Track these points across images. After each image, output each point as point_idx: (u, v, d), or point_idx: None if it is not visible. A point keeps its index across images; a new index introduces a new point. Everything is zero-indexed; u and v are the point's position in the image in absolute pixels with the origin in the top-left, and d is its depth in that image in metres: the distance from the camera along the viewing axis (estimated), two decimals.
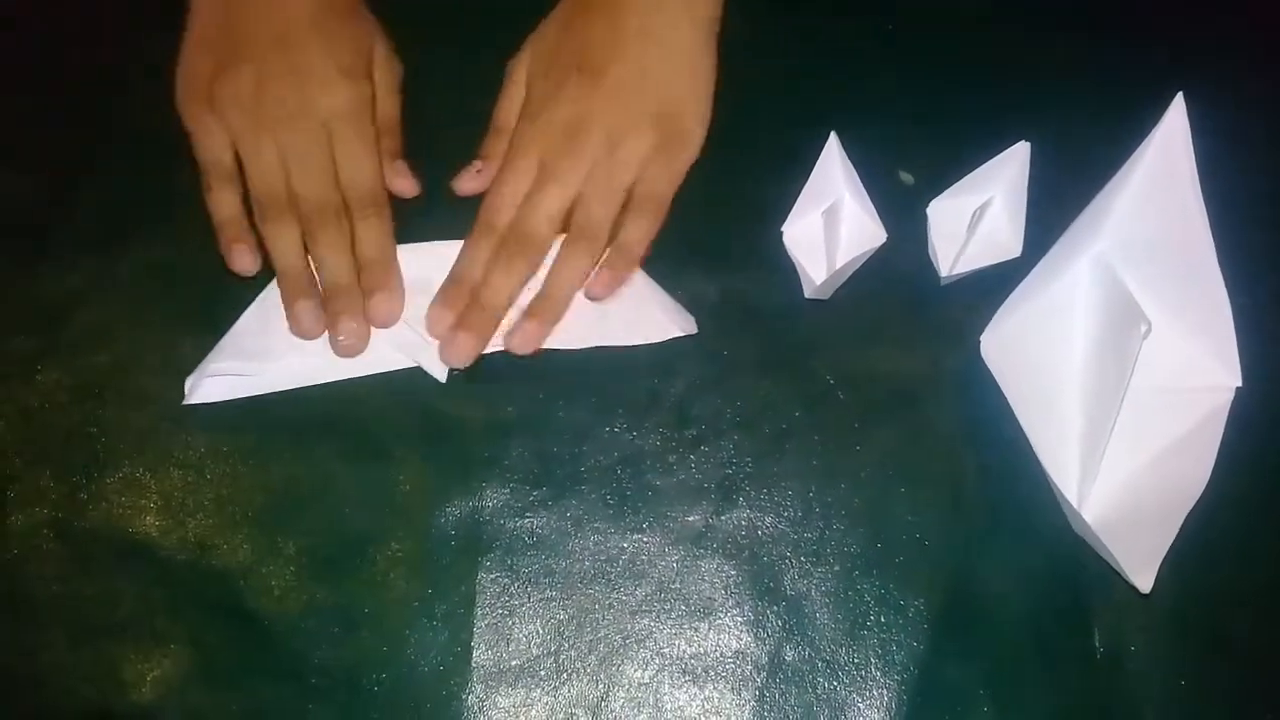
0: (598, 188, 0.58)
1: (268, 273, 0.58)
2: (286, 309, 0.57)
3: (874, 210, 0.58)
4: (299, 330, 0.57)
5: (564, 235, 0.58)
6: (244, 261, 0.57)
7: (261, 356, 0.57)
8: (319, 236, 0.57)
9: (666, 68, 0.59)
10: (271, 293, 0.58)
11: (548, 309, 0.58)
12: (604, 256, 0.58)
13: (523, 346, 0.57)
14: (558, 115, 0.58)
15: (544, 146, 0.58)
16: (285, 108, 0.58)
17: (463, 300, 0.58)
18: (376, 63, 0.61)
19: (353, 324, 0.57)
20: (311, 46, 0.59)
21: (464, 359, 0.57)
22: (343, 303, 0.57)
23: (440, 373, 0.57)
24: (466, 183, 0.61)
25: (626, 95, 0.59)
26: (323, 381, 0.57)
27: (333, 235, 0.57)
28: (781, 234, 0.59)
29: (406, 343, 0.58)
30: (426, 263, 0.59)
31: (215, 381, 0.57)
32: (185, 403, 0.57)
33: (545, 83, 0.60)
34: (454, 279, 0.58)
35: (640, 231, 0.59)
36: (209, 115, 0.58)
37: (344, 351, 0.57)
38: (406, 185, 0.61)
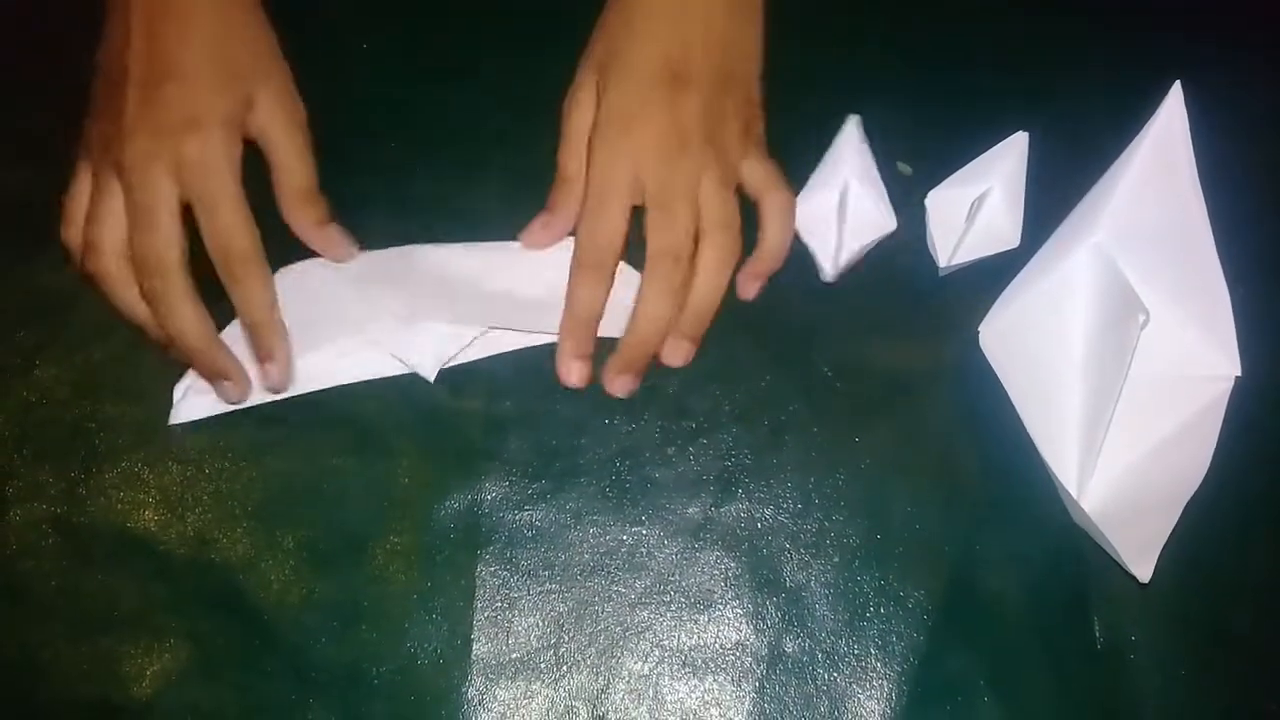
0: (715, 192, 0.56)
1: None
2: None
3: (886, 196, 0.58)
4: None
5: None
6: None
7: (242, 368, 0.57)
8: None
9: (741, 51, 0.58)
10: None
11: (700, 323, 0.57)
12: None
13: (685, 360, 0.57)
14: (648, 130, 0.55)
15: (640, 170, 0.55)
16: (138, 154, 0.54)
17: (590, 343, 0.57)
18: (266, 122, 0.57)
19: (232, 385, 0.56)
20: (167, 88, 0.55)
21: (626, 392, 0.57)
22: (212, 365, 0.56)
23: (430, 372, 0.57)
24: (536, 236, 0.59)
25: (719, 93, 0.56)
26: (308, 390, 0.57)
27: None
28: None
29: (397, 344, 0.57)
30: (431, 263, 0.59)
31: (201, 398, 0.57)
32: (171, 422, 0.57)
33: (622, 98, 0.56)
34: (575, 320, 0.57)
35: (788, 219, 0.58)
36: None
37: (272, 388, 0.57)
38: (342, 252, 0.59)
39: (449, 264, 0.59)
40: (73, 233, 0.56)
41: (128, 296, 0.55)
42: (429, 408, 0.57)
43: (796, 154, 0.59)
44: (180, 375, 0.57)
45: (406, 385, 0.57)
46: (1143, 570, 0.52)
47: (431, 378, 0.57)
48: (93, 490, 0.56)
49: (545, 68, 0.59)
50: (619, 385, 0.57)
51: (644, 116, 0.55)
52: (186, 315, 0.54)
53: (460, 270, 0.59)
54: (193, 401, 0.57)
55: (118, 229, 0.55)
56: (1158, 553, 0.52)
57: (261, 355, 0.56)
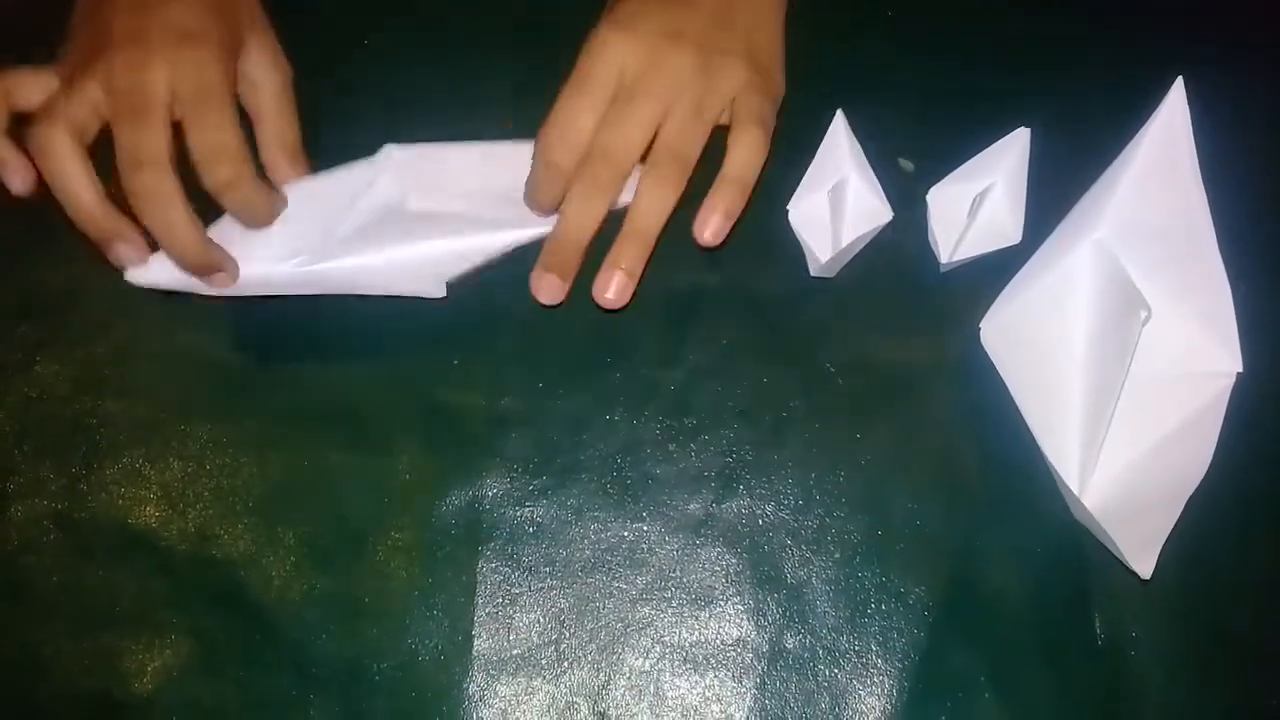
0: (687, 110, 0.54)
1: None
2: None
3: (880, 188, 0.58)
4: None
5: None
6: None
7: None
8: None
9: (755, 16, 0.57)
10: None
11: (637, 251, 0.53)
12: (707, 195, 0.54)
13: (618, 299, 0.53)
14: (645, 26, 0.54)
15: (626, 57, 0.53)
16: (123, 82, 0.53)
17: (572, 264, 0.54)
18: (255, 69, 0.57)
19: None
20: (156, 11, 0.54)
21: (552, 299, 0.53)
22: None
23: (438, 290, 0.56)
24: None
25: (721, 26, 0.55)
26: (286, 292, 0.56)
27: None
28: (786, 214, 0.59)
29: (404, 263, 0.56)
30: (439, 165, 0.58)
31: (164, 265, 0.55)
32: (126, 278, 0.55)
33: (630, 5, 0.55)
34: (554, 237, 0.54)
35: (753, 154, 0.54)
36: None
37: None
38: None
39: (446, 168, 0.58)
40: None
41: (76, 176, 0.53)
42: (430, 403, 0.57)
43: (796, 150, 0.59)
44: (187, 362, 0.57)
45: (408, 381, 0.57)
46: (1144, 567, 0.52)
47: (441, 293, 0.56)
48: (94, 486, 0.56)
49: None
50: (543, 288, 0.53)
51: (645, 14, 0.54)
52: (178, 208, 0.52)
53: (462, 175, 0.58)
54: (157, 267, 0.55)
55: (88, 114, 0.53)
56: (1159, 549, 0.52)
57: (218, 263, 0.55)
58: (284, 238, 0.56)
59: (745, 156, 0.54)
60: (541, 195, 0.55)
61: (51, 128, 0.53)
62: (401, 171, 0.57)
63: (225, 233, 0.55)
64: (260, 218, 0.55)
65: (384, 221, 0.56)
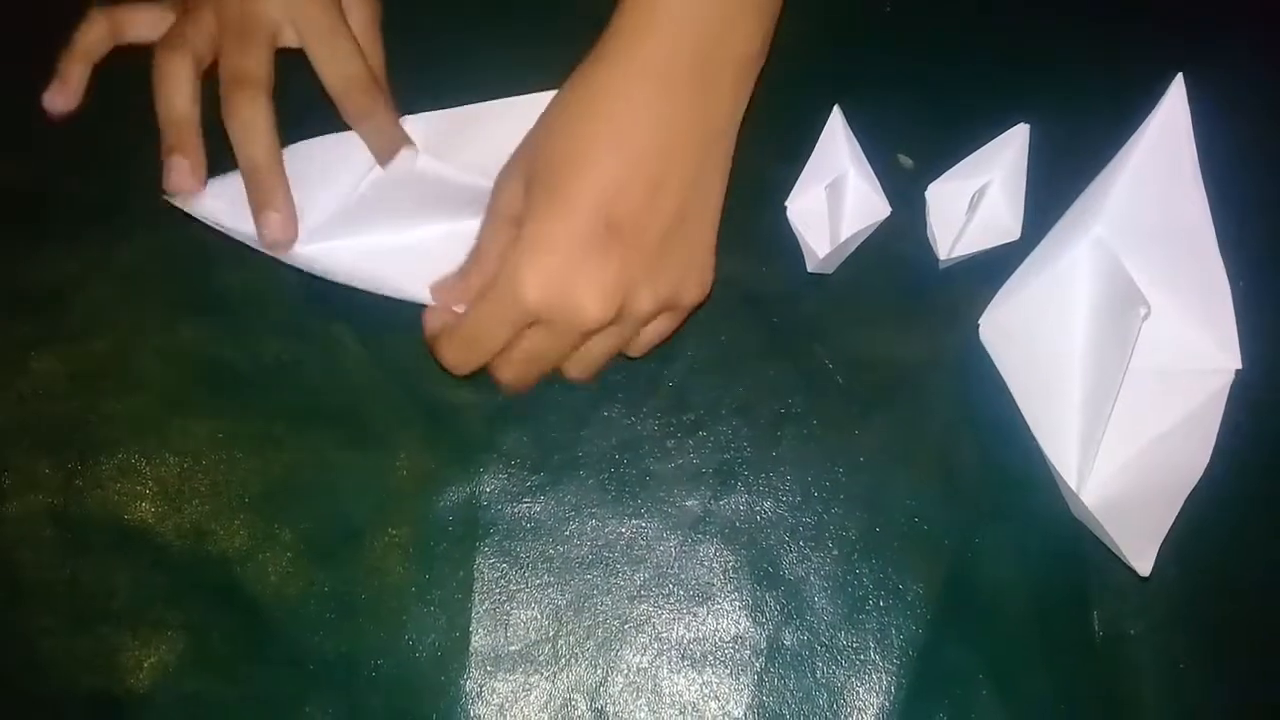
0: (599, 346, 0.53)
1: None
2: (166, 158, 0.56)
3: (878, 184, 0.57)
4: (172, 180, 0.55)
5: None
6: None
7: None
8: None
9: (692, 197, 0.52)
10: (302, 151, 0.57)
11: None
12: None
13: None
14: (570, 280, 0.49)
15: (543, 298, 0.49)
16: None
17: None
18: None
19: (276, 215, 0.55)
20: None
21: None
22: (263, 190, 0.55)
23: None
24: (441, 292, 0.55)
25: (649, 260, 0.51)
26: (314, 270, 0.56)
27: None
28: (784, 210, 0.58)
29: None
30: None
31: (217, 202, 0.56)
32: (173, 200, 0.56)
33: (544, 229, 0.49)
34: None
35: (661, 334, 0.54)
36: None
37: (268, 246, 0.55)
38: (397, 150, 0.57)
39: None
40: (106, 23, 0.57)
41: (180, 84, 0.55)
42: (428, 400, 0.57)
43: (794, 146, 0.59)
44: (185, 357, 0.57)
45: (405, 377, 0.57)
46: (1142, 564, 0.52)
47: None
48: (90, 482, 0.56)
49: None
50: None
51: (566, 261, 0.48)
52: (266, 131, 0.54)
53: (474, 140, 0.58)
54: (209, 203, 0.56)
55: (205, 40, 0.55)
56: (1158, 546, 0.52)
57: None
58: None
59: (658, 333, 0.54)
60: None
61: (174, 52, 0.55)
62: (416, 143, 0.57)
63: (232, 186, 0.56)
64: (391, 147, 0.56)
65: (391, 207, 0.56)
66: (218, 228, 0.56)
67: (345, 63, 0.55)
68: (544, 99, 0.53)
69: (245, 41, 0.55)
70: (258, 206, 0.55)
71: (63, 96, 0.57)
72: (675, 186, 0.50)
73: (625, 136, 0.49)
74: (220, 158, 0.56)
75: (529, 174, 0.50)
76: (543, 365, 0.53)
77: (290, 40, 0.56)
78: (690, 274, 0.52)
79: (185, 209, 0.56)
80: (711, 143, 0.51)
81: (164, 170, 0.55)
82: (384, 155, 0.56)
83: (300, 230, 0.56)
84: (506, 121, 0.55)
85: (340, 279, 0.56)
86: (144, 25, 0.57)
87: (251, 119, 0.54)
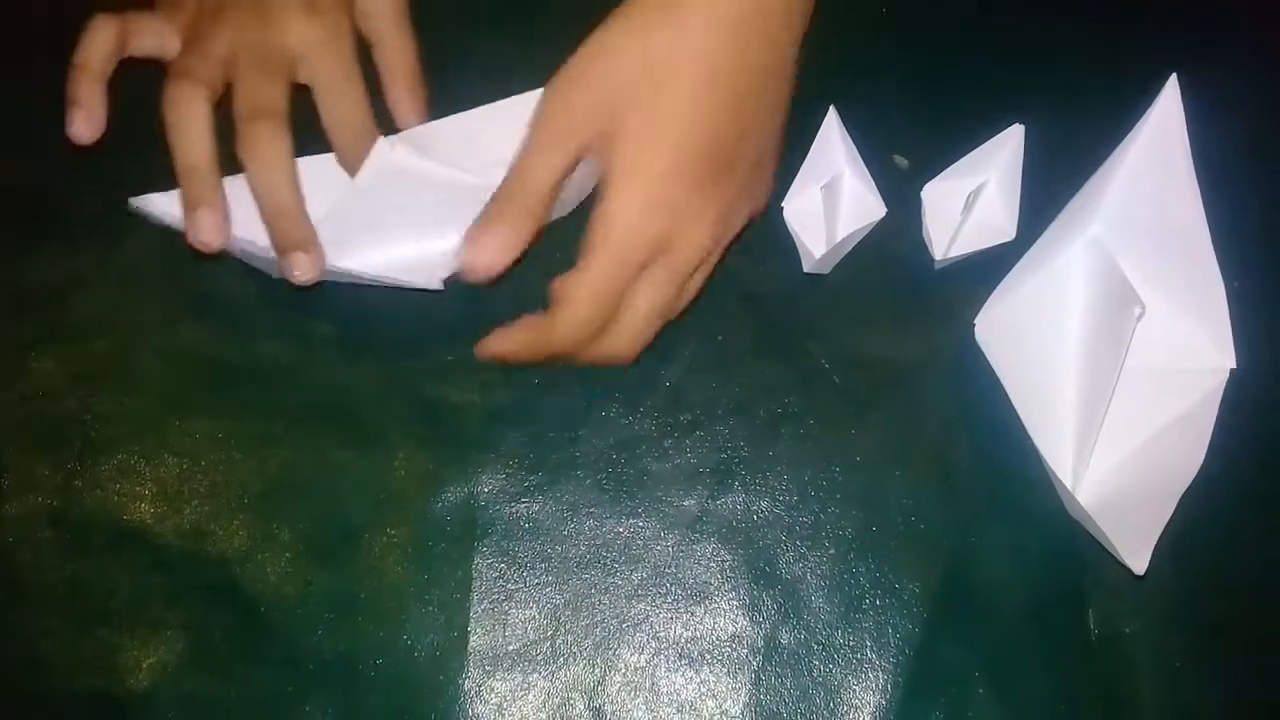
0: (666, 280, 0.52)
1: None
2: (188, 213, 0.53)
3: (874, 185, 0.58)
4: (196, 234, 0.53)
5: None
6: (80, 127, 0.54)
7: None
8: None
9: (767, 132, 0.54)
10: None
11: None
12: None
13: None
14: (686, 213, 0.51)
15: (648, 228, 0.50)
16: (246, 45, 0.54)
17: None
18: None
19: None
20: None
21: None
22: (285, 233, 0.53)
23: (436, 281, 0.55)
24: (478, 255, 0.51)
25: (742, 189, 0.54)
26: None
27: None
28: (780, 211, 0.59)
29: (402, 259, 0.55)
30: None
31: (170, 199, 0.54)
32: (131, 203, 0.55)
33: (663, 178, 0.51)
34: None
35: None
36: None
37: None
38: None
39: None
40: (110, 34, 0.54)
41: (200, 131, 0.53)
42: (425, 400, 0.57)
43: (789, 147, 0.59)
44: (185, 357, 0.57)
45: (404, 378, 0.57)
46: (1138, 562, 0.52)
47: (440, 285, 0.55)
48: (89, 482, 0.56)
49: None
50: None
51: (681, 193, 0.50)
52: (286, 171, 0.53)
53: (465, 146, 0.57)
54: (163, 199, 0.54)
55: (217, 71, 0.53)
56: (1153, 545, 0.52)
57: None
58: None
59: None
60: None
61: (187, 86, 0.52)
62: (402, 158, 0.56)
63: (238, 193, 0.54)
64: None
65: (385, 207, 0.56)
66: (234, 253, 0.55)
67: (353, 113, 0.54)
68: (528, 99, 0.53)
69: (265, 73, 0.53)
70: (284, 248, 0.53)
71: (88, 125, 0.54)
72: (755, 127, 0.52)
73: (716, 78, 0.51)
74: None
75: (610, 101, 0.50)
76: (655, 321, 0.52)
77: (303, 77, 0.55)
78: (756, 205, 0.55)
79: (152, 213, 0.55)
80: (781, 82, 0.54)
81: (188, 223, 0.53)
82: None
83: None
84: (494, 125, 0.55)
85: (354, 274, 0.55)
86: (150, 36, 0.55)
87: (275, 158, 0.53)
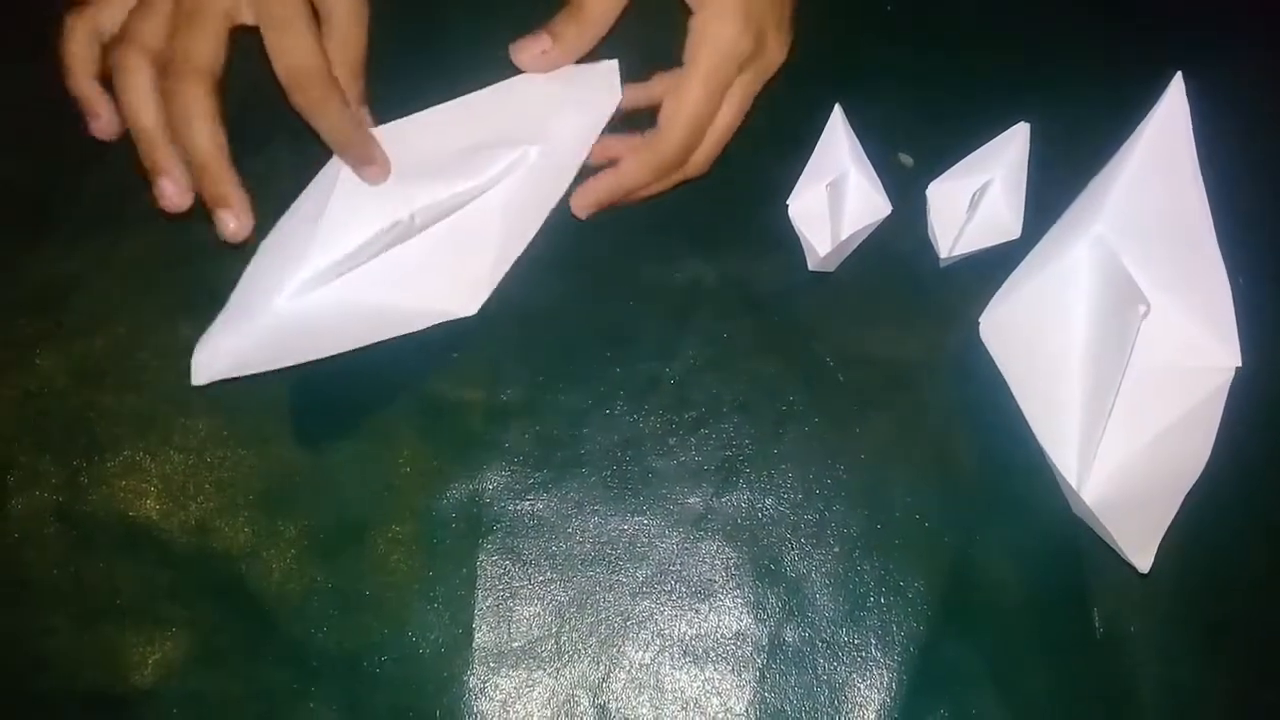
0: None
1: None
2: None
3: (879, 183, 0.58)
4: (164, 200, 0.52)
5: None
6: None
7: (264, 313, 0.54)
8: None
9: None
10: (269, 245, 0.54)
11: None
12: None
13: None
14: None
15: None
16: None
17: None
18: None
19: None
20: None
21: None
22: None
23: (472, 308, 0.55)
24: (529, 57, 0.54)
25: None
26: (344, 350, 0.54)
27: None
28: (785, 209, 0.59)
29: (428, 294, 0.56)
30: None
31: (222, 357, 0.53)
32: (195, 383, 0.53)
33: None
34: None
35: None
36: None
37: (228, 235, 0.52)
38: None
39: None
40: (82, 27, 0.53)
41: (140, 96, 0.51)
42: (430, 397, 0.57)
43: (795, 145, 0.59)
44: (187, 355, 0.57)
45: (408, 375, 0.57)
46: (1142, 561, 0.52)
47: (475, 310, 0.56)
48: (94, 479, 0.56)
49: None
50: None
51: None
52: (205, 122, 0.50)
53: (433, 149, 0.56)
54: (215, 359, 0.53)
55: (158, 28, 0.51)
56: (1157, 543, 0.52)
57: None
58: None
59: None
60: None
61: (129, 52, 0.51)
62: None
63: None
64: (350, 144, 0.53)
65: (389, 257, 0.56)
66: (257, 368, 0.54)
67: (299, 54, 0.51)
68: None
69: (193, 22, 0.51)
70: (211, 203, 0.52)
71: (100, 124, 0.53)
72: None
73: None
74: None
75: None
76: (728, 137, 0.56)
77: (248, 19, 0.52)
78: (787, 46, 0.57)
79: (216, 378, 0.54)
80: None
81: (155, 190, 0.52)
82: (346, 153, 0.53)
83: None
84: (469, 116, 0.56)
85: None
86: (119, 11, 0.53)
87: (192, 109, 0.50)
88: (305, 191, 0.55)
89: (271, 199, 0.54)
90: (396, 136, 0.55)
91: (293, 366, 0.55)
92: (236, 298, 0.54)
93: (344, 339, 0.54)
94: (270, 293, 0.54)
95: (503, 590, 0.55)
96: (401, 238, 0.55)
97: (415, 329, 0.55)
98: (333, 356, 0.55)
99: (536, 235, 0.56)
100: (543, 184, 0.56)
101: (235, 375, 0.54)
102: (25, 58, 0.62)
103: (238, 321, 0.54)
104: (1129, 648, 0.55)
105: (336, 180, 0.55)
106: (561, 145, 0.56)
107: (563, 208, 0.57)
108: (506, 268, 0.56)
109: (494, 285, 0.56)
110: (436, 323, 0.55)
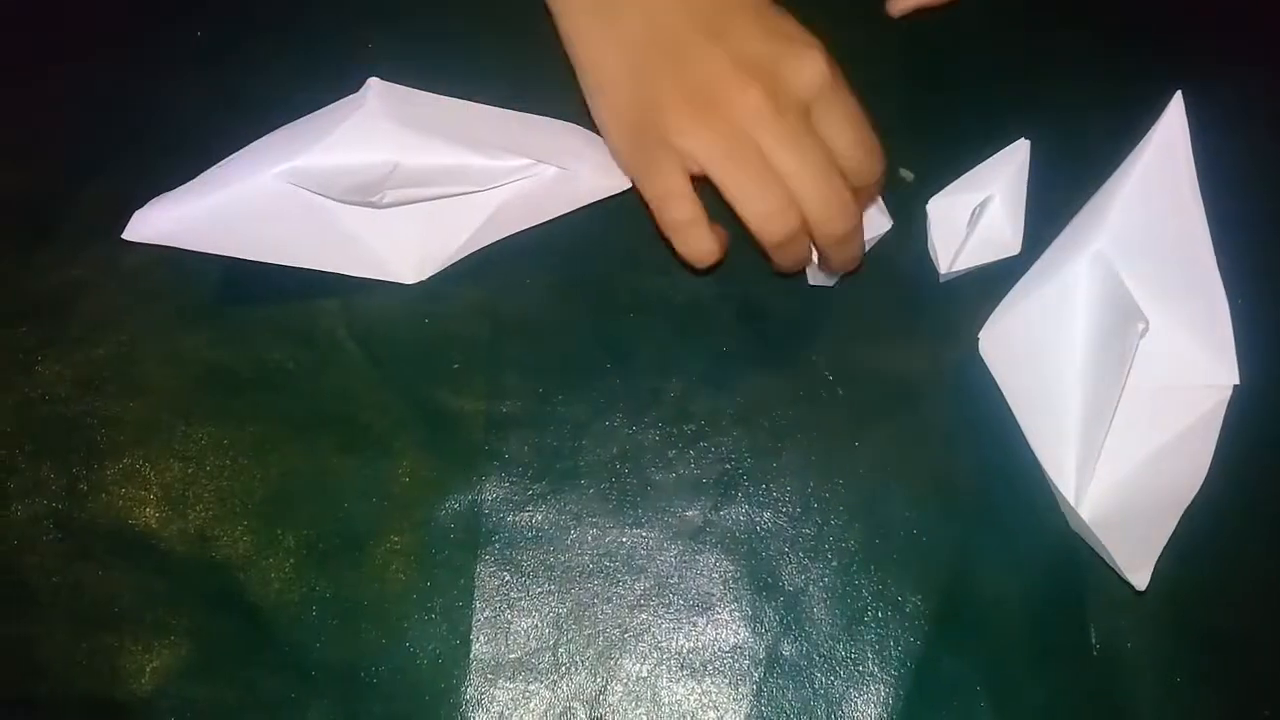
0: None
1: None
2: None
3: (879, 198, 0.58)
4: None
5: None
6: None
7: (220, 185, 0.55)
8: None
9: None
10: (262, 143, 0.56)
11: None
12: None
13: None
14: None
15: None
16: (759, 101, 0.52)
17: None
18: None
19: None
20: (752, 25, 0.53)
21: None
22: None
23: (412, 277, 0.58)
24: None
25: None
26: (281, 261, 0.57)
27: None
28: None
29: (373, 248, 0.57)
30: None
31: (166, 221, 0.55)
32: (125, 237, 0.55)
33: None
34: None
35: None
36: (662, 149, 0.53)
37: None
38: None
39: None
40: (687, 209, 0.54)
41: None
42: (430, 407, 0.57)
43: None
44: (188, 363, 0.57)
45: (408, 384, 0.58)
46: (1139, 578, 0.52)
47: (413, 281, 0.58)
48: (94, 487, 0.56)
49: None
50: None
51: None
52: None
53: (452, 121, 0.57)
54: (154, 217, 0.55)
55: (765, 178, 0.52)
56: (1154, 560, 0.53)
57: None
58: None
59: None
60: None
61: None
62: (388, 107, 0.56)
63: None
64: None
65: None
66: (188, 243, 0.56)
67: (866, 147, 0.54)
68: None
69: (799, 134, 0.53)
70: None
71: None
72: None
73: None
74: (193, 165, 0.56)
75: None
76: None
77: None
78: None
79: (143, 240, 0.55)
80: None
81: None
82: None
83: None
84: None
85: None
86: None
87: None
88: (317, 113, 0.56)
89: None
90: (443, 106, 0.57)
91: (292, 370, 0.56)
92: (209, 174, 0.56)
93: (288, 248, 0.57)
94: (259, 168, 0.54)
95: (500, 601, 0.55)
96: (384, 185, 0.55)
97: (353, 274, 0.57)
98: (334, 363, 0.56)
99: (539, 250, 0.56)
100: (544, 200, 0.57)
101: (168, 244, 0.56)
102: (29, 67, 0.62)
103: (199, 193, 0.55)
104: (1125, 664, 0.55)
105: (356, 111, 0.55)
106: (582, 184, 0.57)
107: (561, 221, 0.57)
108: (465, 254, 0.58)
109: (444, 265, 0.58)
110: (375, 277, 0.58)
